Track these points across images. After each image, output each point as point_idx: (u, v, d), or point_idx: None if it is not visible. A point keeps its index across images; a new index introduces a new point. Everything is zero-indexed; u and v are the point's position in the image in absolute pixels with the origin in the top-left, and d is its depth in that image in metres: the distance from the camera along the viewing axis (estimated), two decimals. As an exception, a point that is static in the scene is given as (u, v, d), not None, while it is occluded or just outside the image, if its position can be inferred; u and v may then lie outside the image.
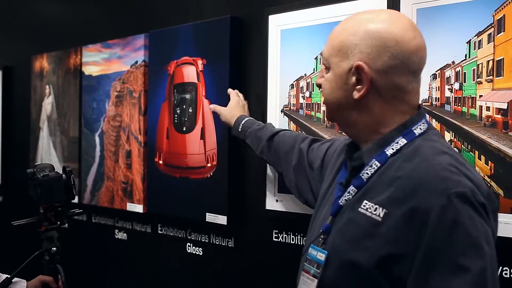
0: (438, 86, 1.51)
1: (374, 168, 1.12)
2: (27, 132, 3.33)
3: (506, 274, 1.41)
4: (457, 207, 0.97)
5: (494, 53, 1.40)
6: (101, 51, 2.74)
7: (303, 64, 1.82)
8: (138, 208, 2.47)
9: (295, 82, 1.85)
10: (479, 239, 0.97)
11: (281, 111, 1.89)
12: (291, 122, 1.87)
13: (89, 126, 2.81)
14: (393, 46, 1.09)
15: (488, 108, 1.42)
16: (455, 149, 1.43)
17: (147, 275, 2.50)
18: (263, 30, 1.94)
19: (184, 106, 2.23)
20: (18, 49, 3.57)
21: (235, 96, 1.95)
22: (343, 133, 1.32)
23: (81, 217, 2.82)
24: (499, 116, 1.39)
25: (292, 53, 1.86)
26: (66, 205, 1.74)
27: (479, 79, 1.43)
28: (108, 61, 2.68)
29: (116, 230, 2.67)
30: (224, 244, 2.14)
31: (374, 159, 1.12)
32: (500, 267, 1.41)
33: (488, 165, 1.41)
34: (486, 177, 1.41)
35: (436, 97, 1.52)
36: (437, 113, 1.51)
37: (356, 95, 1.12)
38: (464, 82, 1.46)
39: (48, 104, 3.15)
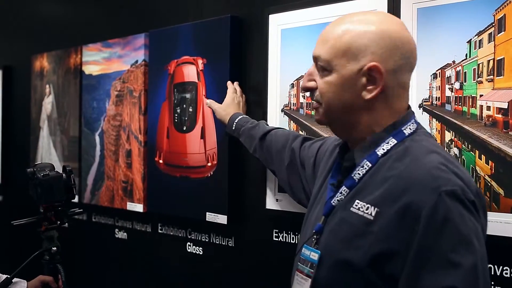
0: (439, 86, 1.51)
1: (365, 168, 1.13)
2: (27, 131, 3.33)
3: (506, 274, 1.41)
4: (448, 205, 0.99)
5: (494, 53, 1.40)
6: (101, 51, 2.74)
7: (304, 63, 1.81)
8: (138, 207, 2.47)
9: (296, 81, 1.85)
10: (469, 236, 0.99)
11: (282, 111, 1.89)
12: (292, 122, 1.87)
13: (89, 125, 2.81)
14: (401, 46, 1.11)
15: (488, 108, 1.41)
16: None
17: (147, 275, 2.50)
18: (263, 30, 1.94)
19: (184, 106, 2.23)
20: (18, 49, 3.57)
21: (231, 93, 1.95)
22: (335, 135, 1.30)
23: (81, 216, 2.82)
24: (500, 115, 1.39)
25: (292, 53, 1.86)
26: (66, 205, 1.74)
27: (479, 79, 1.43)
28: (108, 60, 2.68)
29: (116, 230, 2.67)
30: (224, 243, 2.14)
31: (365, 160, 1.13)
32: (500, 267, 1.41)
33: (488, 165, 1.41)
34: (486, 177, 1.41)
35: (436, 97, 1.51)
36: (438, 112, 1.51)
37: (367, 95, 1.12)
38: (465, 81, 1.46)
39: (48, 103, 3.15)
